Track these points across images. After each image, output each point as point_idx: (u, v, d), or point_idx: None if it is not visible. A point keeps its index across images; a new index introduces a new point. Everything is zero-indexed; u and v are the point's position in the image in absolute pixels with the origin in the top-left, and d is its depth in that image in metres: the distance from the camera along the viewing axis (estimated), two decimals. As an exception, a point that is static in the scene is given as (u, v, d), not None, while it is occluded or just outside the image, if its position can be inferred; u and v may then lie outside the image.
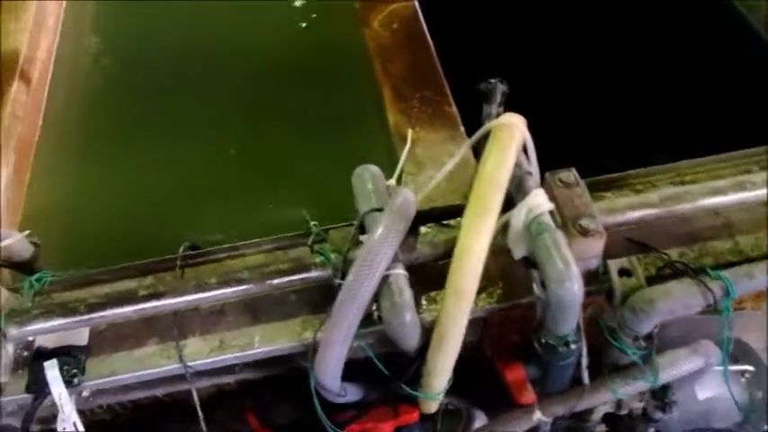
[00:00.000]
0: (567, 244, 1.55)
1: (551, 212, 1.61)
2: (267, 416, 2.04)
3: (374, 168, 1.74)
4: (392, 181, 1.78)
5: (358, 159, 1.82)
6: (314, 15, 3.02)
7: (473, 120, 2.14)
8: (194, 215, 2.51)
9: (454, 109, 2.13)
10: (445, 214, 1.83)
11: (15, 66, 2.63)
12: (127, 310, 1.65)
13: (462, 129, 2.07)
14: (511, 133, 1.55)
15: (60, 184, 2.63)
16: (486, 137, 1.58)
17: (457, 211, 1.82)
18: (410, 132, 1.92)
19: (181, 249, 1.86)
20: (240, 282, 1.66)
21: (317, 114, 2.62)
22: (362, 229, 1.70)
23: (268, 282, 1.66)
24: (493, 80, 1.67)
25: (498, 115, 1.66)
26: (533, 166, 1.67)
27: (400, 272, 1.57)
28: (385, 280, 1.54)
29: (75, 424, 1.66)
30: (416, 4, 2.51)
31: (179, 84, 2.92)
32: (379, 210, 1.64)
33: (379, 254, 1.51)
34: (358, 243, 1.75)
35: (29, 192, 2.49)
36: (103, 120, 2.89)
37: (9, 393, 1.68)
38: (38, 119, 2.72)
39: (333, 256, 1.66)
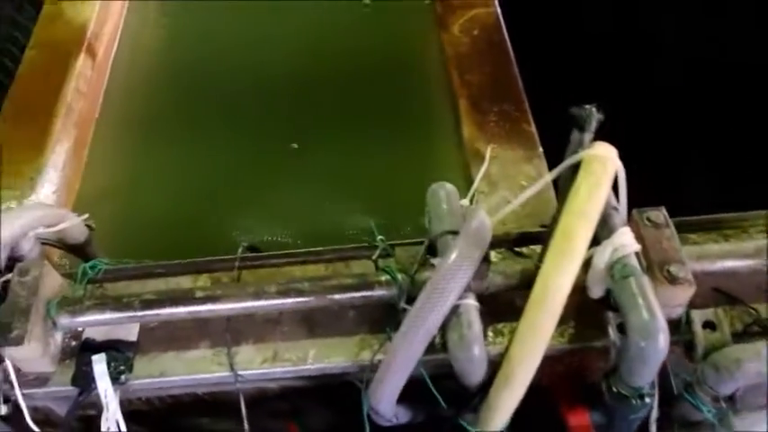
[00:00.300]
0: (653, 291, 1.46)
1: (637, 254, 1.52)
2: (308, 425, 1.99)
3: (450, 187, 1.66)
4: (466, 201, 1.70)
5: (427, 169, 1.77)
6: (387, 17, 2.94)
7: (551, 138, 2.05)
8: (248, 209, 2.47)
9: (533, 127, 2.04)
10: (519, 240, 1.74)
11: (83, 39, 2.61)
12: (182, 310, 1.60)
13: (540, 149, 1.98)
14: (604, 166, 1.46)
15: (117, 164, 2.61)
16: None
17: (532, 238, 1.74)
18: (489, 151, 1.83)
19: (239, 250, 1.81)
20: (300, 293, 1.59)
21: (386, 118, 2.54)
22: (431, 250, 1.63)
23: (329, 296, 1.59)
24: (588, 106, 1.56)
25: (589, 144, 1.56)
26: (621, 202, 1.57)
27: (471, 302, 1.49)
28: (455, 310, 1.46)
29: (118, 422, 1.62)
30: (498, 10, 2.41)
31: (243, 78, 2.88)
32: (454, 233, 1.57)
33: (451, 282, 1.43)
34: (425, 263, 1.68)
35: (86, 169, 2.46)
36: (161, 104, 2.86)
37: (55, 384, 1.64)
38: (99, 96, 2.70)
39: (399, 276, 1.58)
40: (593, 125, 1.56)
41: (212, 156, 2.62)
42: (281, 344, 1.66)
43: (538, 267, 1.54)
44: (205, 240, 2.39)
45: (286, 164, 2.53)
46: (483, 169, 1.77)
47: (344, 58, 2.83)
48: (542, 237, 1.76)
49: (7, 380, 1.63)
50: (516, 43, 2.30)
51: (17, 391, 1.61)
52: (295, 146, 2.54)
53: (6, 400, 1.65)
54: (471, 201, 1.76)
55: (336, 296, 1.60)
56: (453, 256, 1.46)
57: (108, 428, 1.62)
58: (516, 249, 1.75)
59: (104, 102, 2.72)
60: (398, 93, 2.58)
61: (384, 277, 1.60)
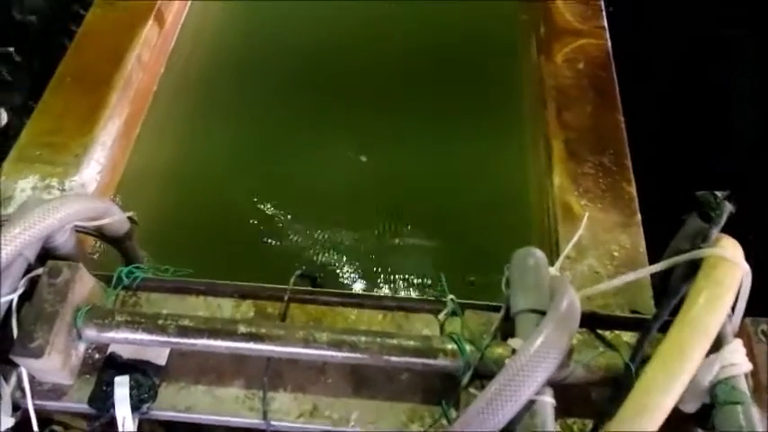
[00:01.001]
0: (762, 422, 1.27)
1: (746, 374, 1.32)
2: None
3: (540, 255, 1.47)
4: (554, 269, 1.51)
5: (503, 205, 1.59)
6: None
7: (652, 202, 1.85)
8: (304, 203, 2.34)
9: (633, 188, 1.83)
10: (604, 322, 1.55)
11: (154, 2, 2.44)
12: (220, 344, 1.45)
13: (639, 216, 1.77)
14: (732, 273, 1.27)
15: (167, 142, 2.47)
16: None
17: (620, 323, 1.56)
18: (585, 219, 1.64)
19: (291, 280, 1.65)
20: (353, 348, 1.43)
21: (466, 141, 2.37)
22: (507, 315, 1.46)
23: (385, 357, 1.42)
24: (718, 192, 1.36)
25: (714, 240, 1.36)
26: (738, 310, 1.37)
27: (549, 400, 1.32)
28: (529, 405, 1.29)
29: (133, 453, 1.48)
30: (609, 45, 2.18)
31: (307, 62, 2.72)
32: (539, 312, 1.39)
33: (532, 375, 1.27)
34: (496, 336, 1.51)
35: (134, 149, 2.32)
36: (221, 83, 2.71)
37: (70, 400, 1.52)
38: (161, 67, 2.55)
39: (468, 348, 1.41)
40: (723, 218, 1.37)
41: (267, 139, 2.50)
42: (322, 398, 1.50)
43: (628, 368, 1.38)
44: (248, 228, 2.26)
45: (354, 170, 2.39)
46: (576, 236, 1.57)
47: (422, 57, 2.68)
48: (629, 323, 1.59)
49: (20, 387, 1.51)
50: (624, 85, 2.07)
51: (29, 402, 1.48)
52: (363, 159, 2.38)
53: (16, 408, 1.53)
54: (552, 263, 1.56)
55: (393, 358, 1.43)
56: (538, 343, 1.29)
57: (121, 458, 1.49)
58: (599, 331, 1.56)
59: (165, 74, 2.57)
60: (478, 109, 2.41)
61: (450, 345, 1.44)
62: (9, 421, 1.49)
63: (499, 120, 2.40)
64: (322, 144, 2.51)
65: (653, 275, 1.57)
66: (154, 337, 1.47)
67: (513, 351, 1.38)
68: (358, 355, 1.43)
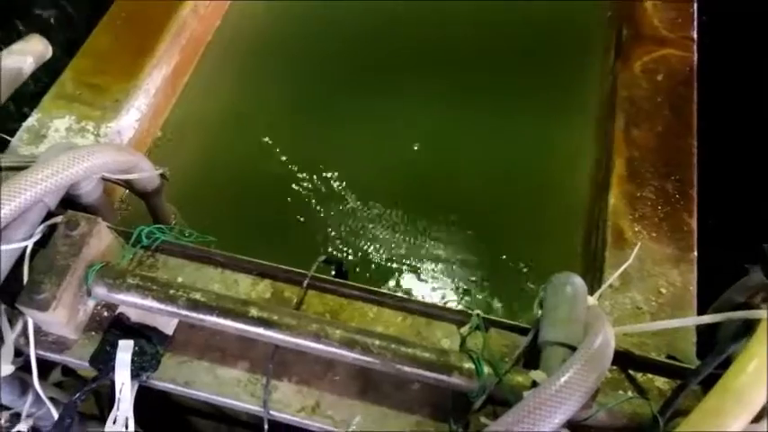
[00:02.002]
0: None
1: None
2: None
3: (579, 283, 1.38)
4: (593, 299, 1.42)
5: (553, 220, 1.49)
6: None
7: (713, 240, 1.74)
8: (343, 171, 2.29)
9: (694, 221, 1.71)
10: (637, 363, 1.46)
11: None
12: (230, 324, 1.41)
13: (695, 254, 1.65)
14: (790, 341, 1.15)
15: (212, 100, 2.43)
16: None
17: (654, 366, 1.46)
18: (636, 249, 1.53)
19: (314, 266, 1.60)
20: (366, 350, 1.37)
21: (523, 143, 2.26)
22: (534, 338, 1.38)
23: (397, 366, 1.36)
24: (789, 249, 1.24)
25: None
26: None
27: (565, 441, 1.24)
28: (543, 444, 1.22)
29: (127, 420, 1.46)
30: (695, 58, 2.02)
31: (365, 29, 2.63)
32: (568, 346, 1.30)
33: (549, 416, 1.19)
34: (519, 362, 1.43)
35: (179, 99, 2.28)
36: (279, 48, 2.64)
37: (72, 355, 1.50)
38: (217, 20, 2.49)
39: (486, 370, 1.34)
40: (792, 279, 1.25)
41: (316, 111, 2.43)
42: (327, 395, 1.46)
43: (656, 421, 1.29)
44: (283, 200, 2.22)
45: (396, 146, 2.30)
46: (624, 266, 1.47)
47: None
48: (664, 369, 1.49)
49: (25, 334, 1.50)
50: (705, 106, 1.92)
51: (31, 352, 1.47)
52: (415, 147, 2.30)
53: (19, 355, 1.52)
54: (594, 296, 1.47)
55: (406, 368, 1.37)
56: (562, 381, 1.21)
57: (114, 419, 1.47)
58: (630, 372, 1.46)
59: (221, 27, 2.51)
60: (542, 119, 2.29)
61: (467, 364, 1.37)
62: (9, 368, 1.49)
63: (561, 121, 2.28)
64: (373, 123, 2.44)
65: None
66: (163, 307, 1.43)
67: (534, 384, 1.31)
68: (369, 359, 1.37)
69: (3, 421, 1.61)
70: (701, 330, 1.53)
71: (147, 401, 1.86)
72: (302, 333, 1.40)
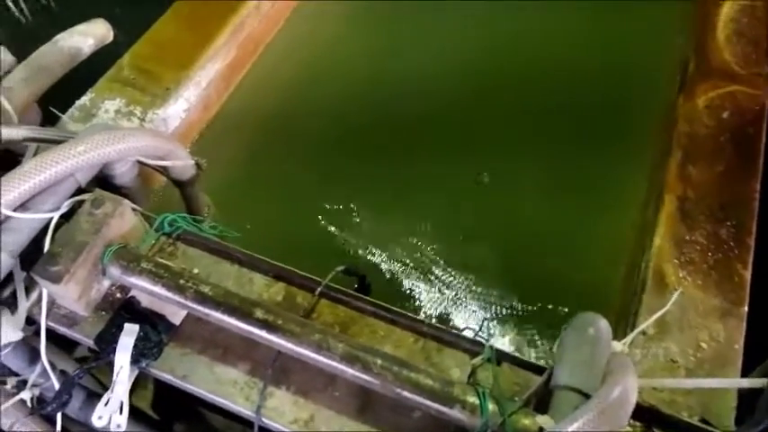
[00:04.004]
0: None
1: None
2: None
3: (604, 326, 1.22)
4: (619, 344, 1.24)
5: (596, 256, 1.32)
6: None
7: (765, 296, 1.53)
8: (388, 213, 2.17)
9: (748, 273, 1.50)
10: (664, 423, 1.27)
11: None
12: (233, 323, 1.31)
13: (746, 309, 1.44)
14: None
15: (267, 99, 2.35)
16: None
17: (683, 429, 1.27)
18: (676, 295, 1.34)
19: (330, 275, 1.48)
20: (366, 369, 1.25)
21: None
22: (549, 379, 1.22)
23: (397, 389, 1.23)
24: None
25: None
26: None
27: (564, 501, 1.08)
28: (539, 499, 1.07)
29: (122, 404, 1.38)
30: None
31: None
32: (582, 393, 1.14)
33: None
34: (529, 403, 1.27)
35: (233, 94, 2.22)
36: (342, 53, 2.56)
37: (80, 332, 1.45)
38: (280, 20, 2.43)
39: (491, 407, 1.19)
40: None
41: (375, 131, 2.32)
42: (323, 410, 1.34)
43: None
44: (326, 230, 2.12)
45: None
46: (661, 311, 1.28)
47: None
48: (694, 431, 1.30)
49: (39, 304, 1.45)
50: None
51: (42, 321, 1.42)
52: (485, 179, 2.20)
53: (31, 323, 1.47)
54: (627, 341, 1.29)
55: (406, 393, 1.24)
56: (570, 430, 1.05)
57: (105, 406, 1.39)
58: (655, 430, 1.28)
59: (284, 27, 2.44)
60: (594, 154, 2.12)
61: (471, 399, 1.22)
62: (18, 334, 1.44)
63: (614, 154, 2.11)
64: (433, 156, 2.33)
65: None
66: (171, 295, 1.35)
67: (540, 430, 1.15)
68: (368, 378, 1.25)
69: (9, 387, 1.57)
70: (743, 393, 1.34)
71: (165, 390, 1.81)
72: (304, 341, 1.29)
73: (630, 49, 2.46)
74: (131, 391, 1.83)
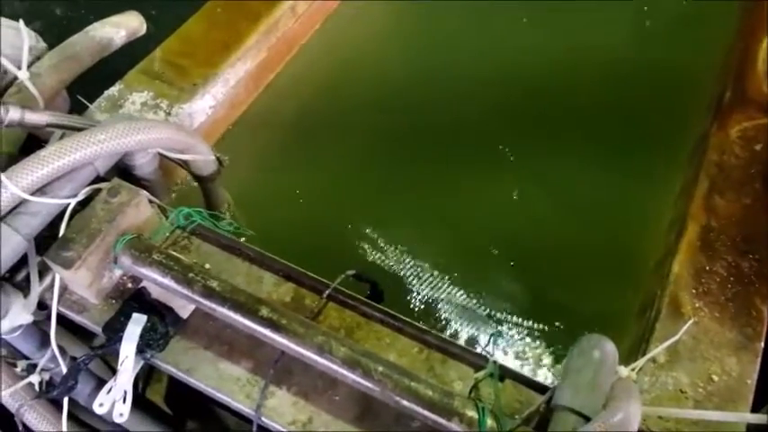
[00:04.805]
0: None
1: None
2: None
3: (610, 349, 1.20)
4: (625, 370, 1.23)
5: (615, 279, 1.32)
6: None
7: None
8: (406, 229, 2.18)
9: (766, 310, 1.47)
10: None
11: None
12: (238, 319, 1.33)
13: (762, 344, 1.42)
14: None
15: (297, 101, 2.38)
16: None
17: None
18: (688, 325, 1.32)
19: (339, 278, 1.50)
20: (366, 375, 1.26)
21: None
22: (551, 398, 1.21)
23: (396, 397, 1.24)
24: None
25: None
26: None
27: None
28: None
29: (125, 394, 1.41)
30: (803, 134, 1.78)
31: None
32: (582, 416, 1.13)
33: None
34: (530, 421, 1.27)
35: (262, 94, 2.26)
36: (378, 63, 2.58)
37: (89, 319, 1.48)
38: (316, 23, 2.46)
39: (489, 423, 1.19)
40: None
41: (407, 143, 2.33)
42: (322, 413, 1.35)
43: None
44: (350, 238, 2.14)
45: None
46: (672, 340, 1.27)
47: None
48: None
49: (51, 289, 1.49)
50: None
51: (53, 306, 1.45)
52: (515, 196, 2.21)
53: (43, 308, 1.51)
54: (634, 369, 1.28)
55: (404, 402, 1.24)
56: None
57: (109, 390, 1.41)
58: (658, 460, 1.27)
59: (320, 30, 2.48)
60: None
61: (470, 412, 1.22)
62: (28, 317, 1.48)
63: (641, 178, 2.10)
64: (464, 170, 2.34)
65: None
66: (178, 288, 1.38)
67: (536, 449, 1.15)
68: (368, 384, 1.26)
69: (19, 369, 1.61)
70: (751, 429, 1.31)
71: (179, 387, 1.83)
72: (307, 343, 1.30)
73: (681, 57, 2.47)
74: (146, 385, 1.89)
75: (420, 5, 2.76)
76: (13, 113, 1.45)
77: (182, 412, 1.94)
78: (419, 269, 2.08)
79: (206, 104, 1.98)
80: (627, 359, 1.26)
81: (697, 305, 1.49)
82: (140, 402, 1.78)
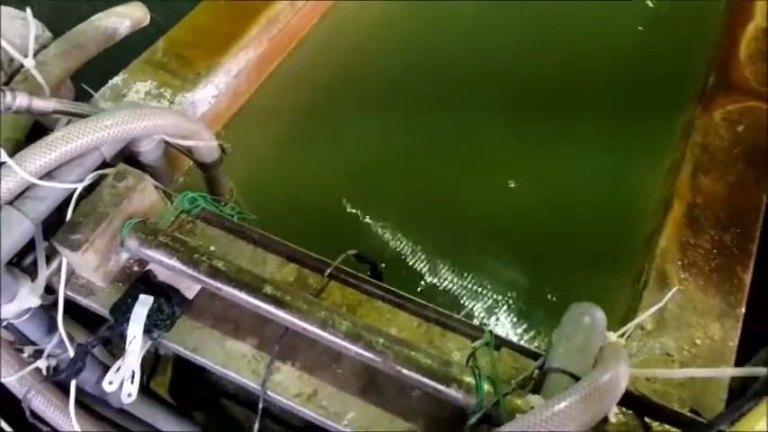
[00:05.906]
0: None
1: None
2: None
3: (599, 316, 1.29)
4: (613, 335, 1.31)
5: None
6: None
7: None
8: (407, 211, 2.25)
9: (748, 277, 1.56)
10: (655, 411, 1.33)
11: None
12: (243, 297, 1.40)
13: (743, 310, 1.51)
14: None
15: (296, 92, 2.44)
16: None
17: (672, 418, 1.33)
18: (671, 293, 1.40)
19: (340, 257, 1.57)
20: (369, 347, 1.32)
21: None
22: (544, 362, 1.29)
23: (397, 367, 1.31)
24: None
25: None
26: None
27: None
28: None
29: (133, 373, 1.47)
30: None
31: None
32: (573, 376, 1.21)
33: (540, 439, 1.10)
34: (525, 385, 1.34)
35: (263, 85, 2.32)
36: (378, 58, 2.65)
37: (96, 302, 1.54)
38: (315, 17, 2.53)
39: (486, 388, 1.26)
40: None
41: (405, 136, 2.41)
42: (326, 386, 1.42)
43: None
44: (347, 219, 2.21)
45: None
46: (656, 307, 1.35)
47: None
48: (683, 422, 1.35)
49: (58, 273, 1.55)
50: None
51: (60, 290, 1.51)
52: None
53: (50, 292, 1.57)
54: (623, 335, 1.35)
55: (405, 371, 1.31)
56: (555, 409, 1.12)
57: (117, 370, 1.47)
58: (645, 419, 1.34)
59: (319, 23, 2.55)
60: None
61: (468, 378, 1.30)
62: (35, 301, 1.53)
63: (631, 158, 2.18)
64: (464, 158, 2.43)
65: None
66: (184, 269, 1.44)
67: (532, 409, 1.22)
68: (370, 356, 1.32)
69: (26, 355, 1.66)
70: (733, 388, 1.40)
71: (185, 380, 1.89)
72: (310, 318, 1.37)
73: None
74: (149, 378, 1.94)
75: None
76: (21, 99, 1.50)
77: (187, 404, 2.00)
78: (415, 250, 2.16)
79: (208, 94, 2.04)
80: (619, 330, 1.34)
81: (682, 276, 1.58)
82: (146, 392, 1.85)
